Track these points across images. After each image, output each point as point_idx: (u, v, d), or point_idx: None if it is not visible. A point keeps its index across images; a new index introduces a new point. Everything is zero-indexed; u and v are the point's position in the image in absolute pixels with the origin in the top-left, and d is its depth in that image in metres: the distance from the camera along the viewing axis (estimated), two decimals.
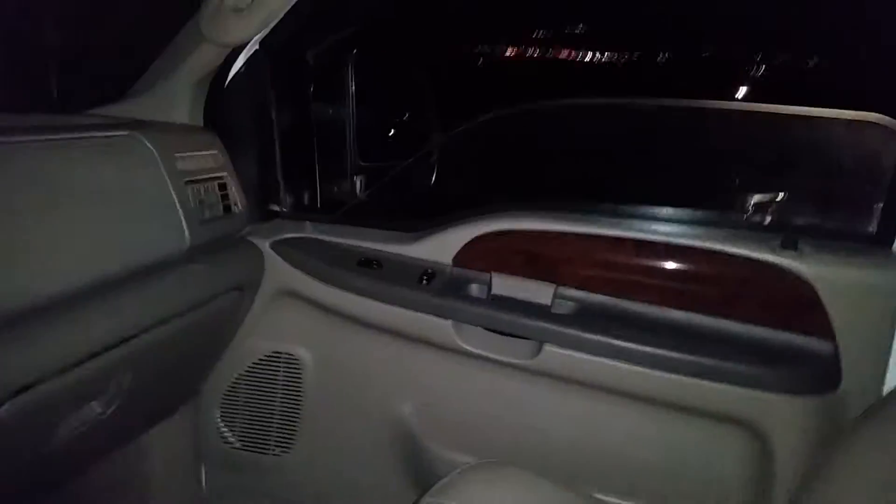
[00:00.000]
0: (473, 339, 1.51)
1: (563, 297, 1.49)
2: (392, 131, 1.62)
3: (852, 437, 0.96)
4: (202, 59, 1.51)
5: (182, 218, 1.39)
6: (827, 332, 1.26)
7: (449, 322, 1.51)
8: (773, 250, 1.29)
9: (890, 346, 1.20)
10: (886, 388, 1.21)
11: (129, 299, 1.26)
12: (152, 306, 1.33)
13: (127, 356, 1.26)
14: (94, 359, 1.17)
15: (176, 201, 1.38)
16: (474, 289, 1.55)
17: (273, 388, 1.75)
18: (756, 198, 1.29)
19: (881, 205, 1.27)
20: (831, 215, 1.30)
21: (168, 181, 1.38)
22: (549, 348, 1.43)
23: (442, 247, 1.58)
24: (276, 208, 1.73)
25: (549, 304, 1.47)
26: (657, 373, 1.34)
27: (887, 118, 1.22)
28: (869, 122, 1.26)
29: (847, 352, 1.25)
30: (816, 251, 1.28)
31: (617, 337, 1.37)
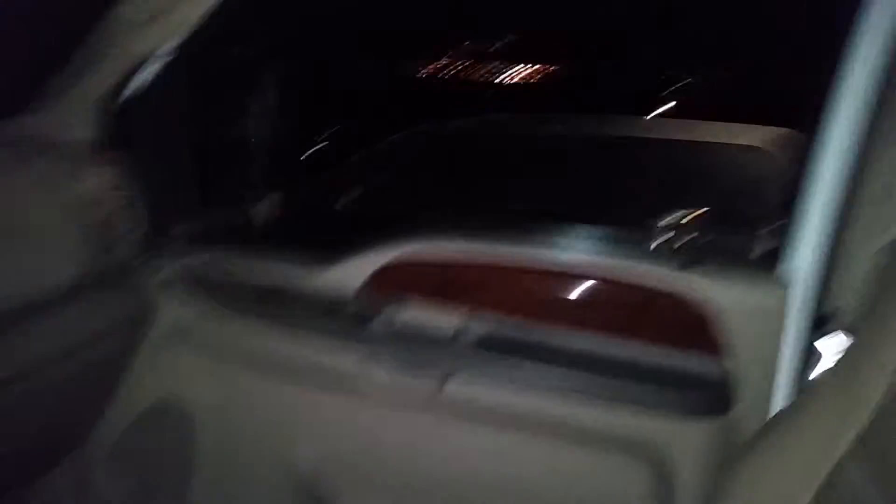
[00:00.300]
0: (378, 374, 1.46)
1: (470, 326, 1.47)
2: (300, 153, 1.59)
3: (741, 460, 0.96)
4: (104, 73, 1.46)
5: (70, 246, 1.32)
6: (719, 355, 1.28)
7: (353, 356, 1.46)
8: (668, 273, 1.31)
9: (777, 368, 1.22)
10: (774, 409, 1.22)
11: (4, 341, 1.18)
12: (30, 348, 1.24)
13: (3, 403, 1.18)
14: None
15: (64, 228, 1.32)
16: (380, 320, 1.51)
17: (164, 438, 1.63)
18: (654, 220, 1.31)
19: (768, 228, 1.31)
20: (723, 238, 1.33)
21: (57, 206, 1.31)
22: (455, 381, 1.41)
23: (347, 276, 1.54)
24: (171, 238, 1.65)
25: (456, 333, 1.45)
26: (562, 400, 1.33)
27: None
28: (753, 146, 1.31)
29: (738, 374, 1.27)
30: (707, 274, 1.30)
31: (521, 368, 1.37)
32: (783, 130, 1.50)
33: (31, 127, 1.50)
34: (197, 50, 1.46)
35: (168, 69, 1.51)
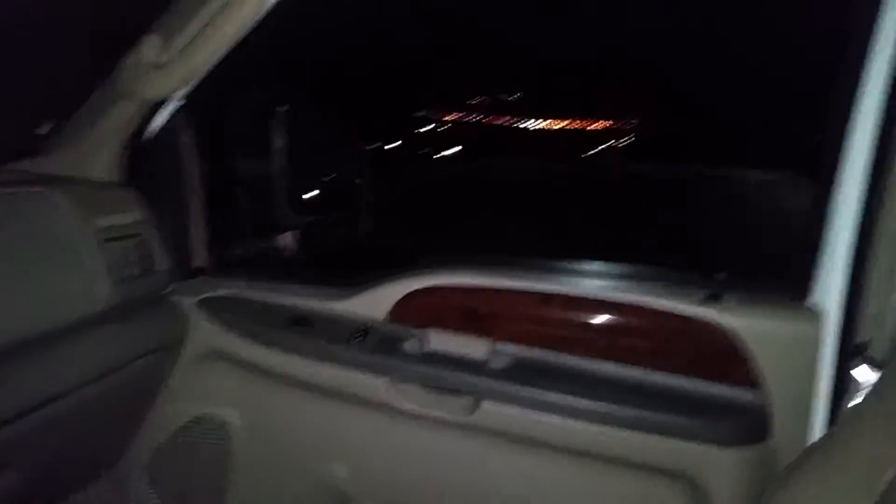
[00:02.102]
0: (409, 397, 1.48)
1: (499, 353, 1.47)
2: (323, 186, 1.59)
3: (781, 488, 0.96)
4: (122, 115, 1.48)
5: (100, 277, 1.35)
6: (754, 383, 1.28)
7: (383, 380, 1.48)
8: (697, 304, 1.31)
9: (813, 396, 1.23)
10: (812, 438, 1.23)
11: (44, 363, 1.21)
12: (69, 370, 1.28)
13: (43, 422, 1.21)
14: (6, 426, 1.12)
15: (93, 260, 1.35)
16: (409, 345, 1.52)
17: (199, 455, 1.67)
18: (681, 253, 1.31)
19: (796, 258, 1.30)
20: (752, 269, 1.33)
21: (83, 240, 1.34)
22: (486, 404, 1.41)
23: (375, 303, 1.55)
24: (202, 265, 1.67)
25: (485, 359, 1.46)
26: (592, 426, 1.34)
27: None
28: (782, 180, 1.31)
29: (774, 403, 1.27)
30: (739, 304, 1.30)
31: (552, 390, 1.37)
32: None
33: (53, 166, 1.52)
34: (214, 92, 1.46)
35: (188, 109, 1.51)
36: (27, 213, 1.27)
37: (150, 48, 1.37)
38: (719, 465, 1.29)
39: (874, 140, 1.11)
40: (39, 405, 1.19)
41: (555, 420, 1.36)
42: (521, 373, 1.43)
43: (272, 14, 1.36)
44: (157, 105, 1.50)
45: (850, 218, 1.15)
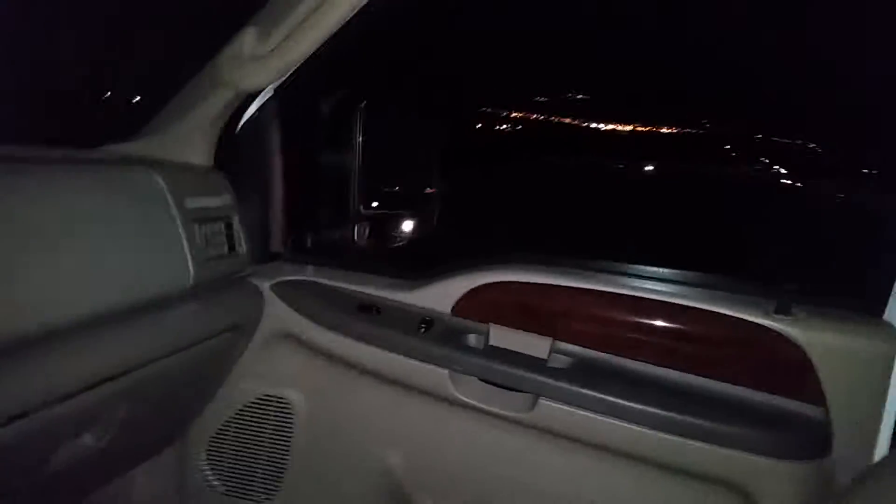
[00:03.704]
0: (469, 390, 1.51)
1: (559, 352, 1.50)
2: (396, 181, 1.65)
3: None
4: (217, 103, 1.55)
5: (188, 255, 1.42)
6: (818, 397, 1.27)
7: (445, 371, 1.51)
8: (766, 314, 1.31)
9: (881, 414, 1.21)
10: (877, 456, 1.21)
11: (128, 333, 1.27)
12: (151, 341, 1.33)
13: (122, 390, 1.26)
14: (89, 391, 1.17)
15: (183, 239, 1.41)
16: (471, 339, 1.56)
17: (262, 433, 1.74)
18: (752, 261, 1.31)
19: (872, 275, 1.29)
20: (825, 282, 1.32)
21: (176, 219, 1.41)
22: (544, 402, 1.43)
23: (440, 296, 1.60)
24: (278, 250, 1.75)
25: (546, 357, 1.48)
26: (650, 431, 1.34)
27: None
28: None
29: (838, 418, 1.26)
30: (810, 317, 1.30)
31: (612, 393, 1.38)
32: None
33: (147, 149, 1.60)
34: (303, 86, 1.53)
35: (278, 101, 1.58)
36: (126, 191, 1.35)
37: (249, 40, 1.45)
38: (776, 478, 1.28)
39: None
40: (122, 373, 1.25)
41: (612, 423, 1.37)
42: (581, 373, 1.45)
43: (362, 12, 1.42)
44: (251, 96, 1.57)
45: None
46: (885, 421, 1.21)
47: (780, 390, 1.33)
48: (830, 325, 1.28)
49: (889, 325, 1.23)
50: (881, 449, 1.21)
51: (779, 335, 1.29)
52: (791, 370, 1.29)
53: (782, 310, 1.30)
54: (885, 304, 1.24)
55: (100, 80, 1.73)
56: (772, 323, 1.30)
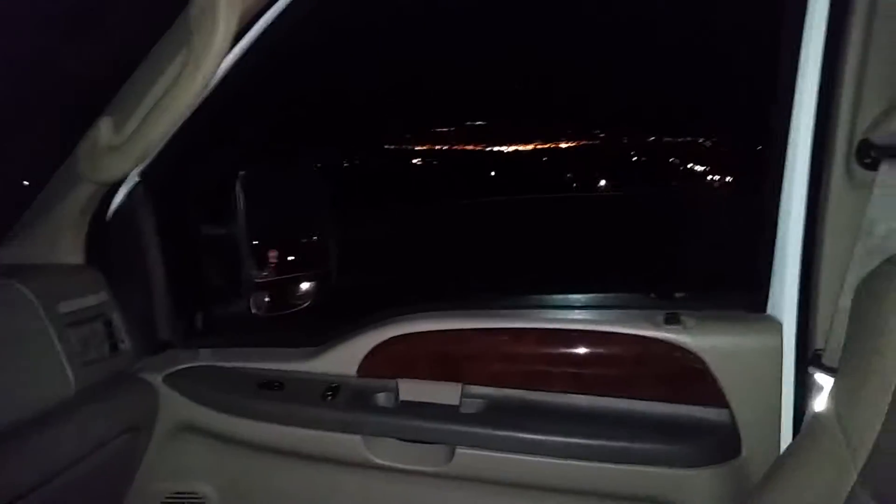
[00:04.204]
0: (385, 452, 1.47)
1: (471, 396, 1.48)
2: (286, 244, 1.61)
3: (757, 501, 0.97)
4: (81, 197, 1.49)
5: (65, 363, 1.34)
6: (720, 400, 1.30)
7: (357, 437, 1.47)
8: (658, 326, 1.33)
9: (780, 406, 1.24)
10: (783, 447, 1.24)
11: (18, 454, 1.20)
12: (44, 458, 1.25)
13: None
14: None
15: (57, 346, 1.34)
16: (381, 398, 1.52)
17: None
18: (636, 276, 1.34)
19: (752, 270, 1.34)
20: (707, 286, 1.36)
21: (48, 326, 1.34)
22: (461, 451, 1.41)
23: (344, 359, 1.55)
24: (168, 339, 1.66)
25: (458, 404, 1.46)
26: (568, 462, 1.34)
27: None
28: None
29: (742, 418, 1.28)
30: (699, 322, 1.33)
31: (526, 430, 1.37)
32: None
33: (12, 255, 1.52)
34: (172, 164, 1.49)
35: (145, 185, 1.53)
36: None
37: (104, 131, 1.40)
38: (694, 487, 1.29)
39: (812, 150, 1.16)
40: (17, 497, 1.17)
41: (530, 460, 1.36)
42: (494, 414, 1.44)
43: (224, 83, 1.40)
44: (116, 184, 1.52)
45: (797, 227, 1.19)
46: (785, 412, 1.24)
47: (684, 399, 1.35)
48: (719, 328, 1.31)
49: (771, 318, 1.27)
50: (785, 441, 1.24)
51: (673, 345, 1.31)
52: (691, 377, 1.31)
53: (672, 320, 1.33)
54: (763, 299, 1.28)
55: None
56: (664, 334, 1.32)
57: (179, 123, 1.39)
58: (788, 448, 1.15)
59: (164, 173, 1.53)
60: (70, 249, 1.54)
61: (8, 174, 1.73)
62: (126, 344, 1.51)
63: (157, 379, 1.58)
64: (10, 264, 1.50)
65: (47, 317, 1.33)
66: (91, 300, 1.47)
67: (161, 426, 1.58)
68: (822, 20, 1.14)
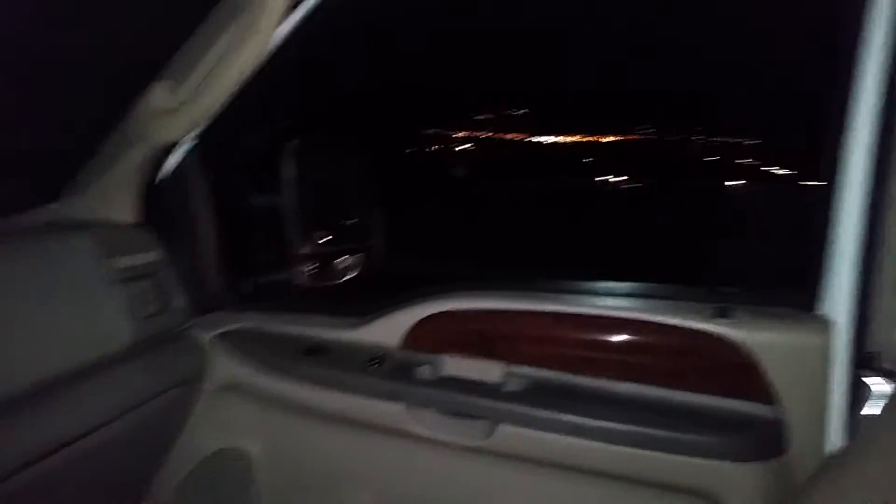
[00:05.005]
0: (426, 423, 1.49)
1: (513, 375, 1.48)
2: (335, 216, 1.62)
3: (803, 501, 0.96)
4: (136, 158, 1.52)
5: (121, 316, 1.40)
6: (768, 396, 1.28)
7: (400, 406, 1.49)
8: (707, 319, 1.31)
9: (828, 406, 1.22)
10: (831, 446, 1.22)
11: (71, 401, 1.25)
12: (95, 407, 1.31)
13: (72, 459, 1.24)
14: (38, 463, 1.16)
15: (114, 300, 1.40)
16: (424, 371, 1.54)
17: (223, 487, 1.69)
18: (689, 267, 1.32)
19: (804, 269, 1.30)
20: (759, 281, 1.33)
21: (106, 280, 1.39)
22: (502, 427, 1.42)
23: (389, 330, 1.58)
24: (218, 301, 1.71)
25: (500, 382, 1.47)
26: (610, 447, 1.34)
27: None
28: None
29: (790, 415, 1.26)
30: (749, 318, 1.31)
31: (568, 412, 1.37)
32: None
33: (71, 211, 1.56)
34: (226, 130, 1.50)
35: (200, 149, 1.55)
36: (52, 257, 1.32)
37: (160, 94, 1.42)
38: (737, 481, 1.28)
39: (874, 146, 1.12)
40: (67, 443, 1.22)
41: (571, 441, 1.36)
42: (536, 395, 1.44)
43: (279, 51, 1.40)
44: (170, 147, 1.54)
45: (855, 225, 1.16)
46: (834, 412, 1.22)
47: (730, 393, 1.33)
48: (769, 324, 1.29)
49: (823, 316, 1.24)
50: (833, 440, 1.22)
51: (722, 339, 1.30)
52: (738, 372, 1.29)
53: (722, 313, 1.31)
54: (817, 296, 1.25)
55: (17, 144, 1.68)
56: (714, 328, 1.30)
57: (235, 89, 1.40)
58: (840, 451, 1.13)
59: (217, 138, 1.55)
60: (125, 208, 1.58)
61: (66, 133, 1.76)
62: (177, 302, 1.56)
63: (206, 338, 1.62)
64: (69, 219, 1.54)
65: (105, 270, 1.39)
66: (145, 258, 1.52)
67: (208, 384, 1.63)
68: (882, 15, 1.08)
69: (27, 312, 1.21)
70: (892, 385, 1.11)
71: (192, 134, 1.51)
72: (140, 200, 1.59)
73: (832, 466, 0.95)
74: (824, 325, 1.22)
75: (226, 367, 1.62)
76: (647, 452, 1.31)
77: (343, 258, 1.65)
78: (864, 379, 1.15)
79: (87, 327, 1.33)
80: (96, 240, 1.41)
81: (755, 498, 1.28)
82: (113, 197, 1.57)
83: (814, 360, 1.23)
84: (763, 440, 1.28)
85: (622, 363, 1.42)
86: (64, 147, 1.69)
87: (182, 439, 1.68)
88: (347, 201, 1.64)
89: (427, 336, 1.55)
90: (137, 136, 1.47)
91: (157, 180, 1.59)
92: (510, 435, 1.42)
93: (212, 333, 1.63)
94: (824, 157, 1.20)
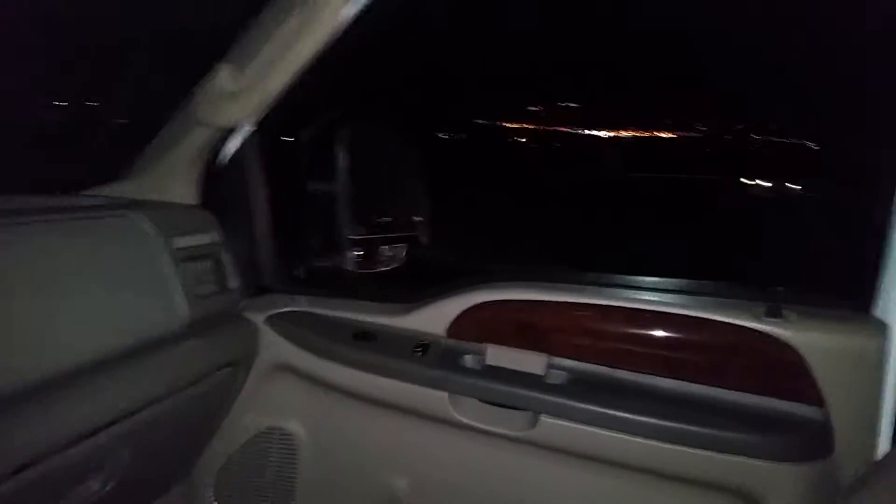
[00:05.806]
0: (469, 412, 1.51)
1: (557, 367, 1.50)
2: (385, 204, 1.65)
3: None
4: (197, 141, 1.56)
5: (178, 295, 1.43)
6: (816, 398, 1.27)
7: (444, 394, 1.51)
8: (758, 317, 1.31)
9: (879, 410, 1.21)
10: (878, 452, 1.21)
11: (126, 377, 1.27)
12: (149, 383, 1.34)
13: (124, 434, 1.27)
14: (92, 436, 1.18)
15: (172, 279, 1.42)
16: (468, 360, 1.56)
17: (267, 466, 1.73)
18: (740, 265, 1.31)
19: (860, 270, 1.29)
20: (813, 281, 1.32)
21: (164, 260, 1.42)
22: (545, 419, 1.43)
23: (435, 318, 1.60)
24: (270, 283, 1.75)
25: (543, 374, 1.48)
26: (652, 442, 1.34)
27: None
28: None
29: (837, 417, 1.26)
30: (801, 318, 1.30)
31: (611, 406, 1.38)
32: None
33: (131, 191, 1.61)
34: (282, 117, 1.53)
35: (259, 133, 1.59)
36: (111, 235, 1.36)
37: (223, 77, 1.45)
38: (779, 481, 1.28)
39: None
40: (124, 416, 1.26)
41: (613, 436, 1.37)
42: (580, 388, 1.45)
43: (338, 39, 1.43)
44: (230, 131, 1.58)
45: None
46: (884, 417, 1.21)
47: (777, 393, 1.32)
48: (821, 325, 1.28)
49: (878, 320, 1.23)
50: (882, 445, 1.21)
51: (771, 338, 1.29)
52: (786, 372, 1.29)
53: (773, 312, 1.30)
54: (872, 299, 1.24)
55: (79, 125, 1.74)
56: (763, 326, 1.30)
57: (298, 74, 1.43)
58: (888, 454, 1.13)
59: (277, 124, 1.58)
60: (184, 190, 1.62)
61: (129, 114, 1.81)
62: (232, 283, 1.60)
63: (259, 319, 1.66)
64: (129, 199, 1.59)
65: (164, 249, 1.42)
66: (203, 239, 1.55)
67: (259, 364, 1.67)
68: None
69: (86, 289, 1.23)
70: None
71: (253, 119, 1.54)
72: (200, 183, 1.63)
73: (878, 471, 0.95)
74: (878, 328, 1.21)
75: (276, 348, 1.65)
76: (689, 450, 1.31)
77: (392, 246, 1.68)
78: None
79: (144, 306, 1.36)
80: (156, 220, 1.44)
81: (796, 499, 1.27)
82: (174, 178, 1.61)
83: (866, 363, 1.22)
84: (808, 442, 1.28)
85: (667, 359, 1.42)
86: (126, 127, 1.74)
87: (230, 418, 1.72)
88: (398, 190, 1.66)
89: (473, 325, 1.57)
90: (200, 118, 1.50)
91: (217, 163, 1.63)
92: (552, 427, 1.43)
93: (264, 315, 1.67)
94: (885, 160, 1.20)
